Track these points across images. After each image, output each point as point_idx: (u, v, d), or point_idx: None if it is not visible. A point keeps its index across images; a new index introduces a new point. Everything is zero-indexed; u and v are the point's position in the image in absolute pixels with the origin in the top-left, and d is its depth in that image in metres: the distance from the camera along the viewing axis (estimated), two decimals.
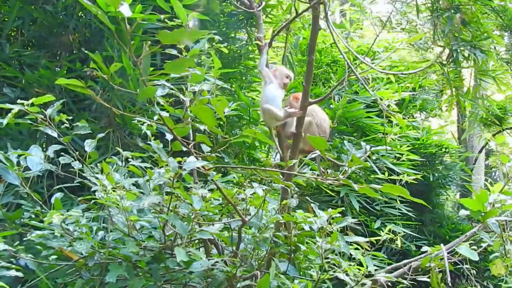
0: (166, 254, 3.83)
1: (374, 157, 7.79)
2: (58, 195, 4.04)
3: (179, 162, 3.15)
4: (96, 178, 3.49)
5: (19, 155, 3.87)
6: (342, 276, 3.81)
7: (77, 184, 4.04)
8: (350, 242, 4.47)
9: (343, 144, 7.36)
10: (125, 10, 2.35)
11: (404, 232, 8.14)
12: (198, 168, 3.22)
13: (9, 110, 3.44)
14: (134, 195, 3.37)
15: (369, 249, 5.18)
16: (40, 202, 4.02)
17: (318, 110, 4.55)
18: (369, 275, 4.11)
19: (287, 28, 5.02)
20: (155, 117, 3.29)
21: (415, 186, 8.85)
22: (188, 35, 2.34)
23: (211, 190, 3.83)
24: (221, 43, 4.38)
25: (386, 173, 7.76)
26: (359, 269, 4.22)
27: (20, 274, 3.33)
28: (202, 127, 3.11)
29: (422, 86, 10.50)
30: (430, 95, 10.82)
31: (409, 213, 8.17)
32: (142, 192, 3.51)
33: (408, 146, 8.71)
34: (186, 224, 3.22)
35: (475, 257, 3.55)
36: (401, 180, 7.98)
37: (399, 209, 8.29)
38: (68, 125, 3.72)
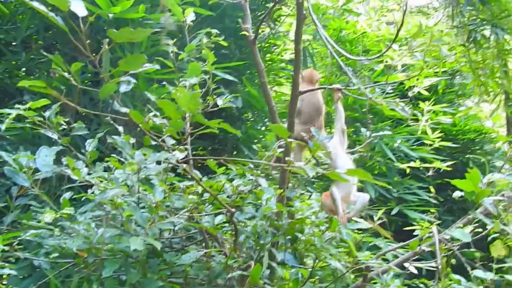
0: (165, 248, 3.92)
1: (395, 144, 7.69)
2: (67, 195, 4.15)
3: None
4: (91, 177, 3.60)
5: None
6: (333, 263, 3.79)
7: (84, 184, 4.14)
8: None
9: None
10: (78, 9, 2.39)
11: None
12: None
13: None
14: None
15: (390, 237, 5.14)
16: (50, 203, 4.14)
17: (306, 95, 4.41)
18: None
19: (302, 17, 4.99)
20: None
21: (454, 174, 8.66)
22: (135, 34, 2.37)
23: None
24: (219, 35, 4.42)
25: (418, 162, 7.65)
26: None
27: (14, 272, 3.46)
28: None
29: (458, 71, 10.23)
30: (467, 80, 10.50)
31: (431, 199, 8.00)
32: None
33: (441, 132, 8.53)
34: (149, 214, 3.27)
35: (468, 239, 3.46)
36: (434, 168, 7.87)
37: (419, 195, 8.16)
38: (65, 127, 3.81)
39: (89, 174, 3.73)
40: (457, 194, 3.64)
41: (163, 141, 3.07)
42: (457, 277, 3.49)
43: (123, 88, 2.74)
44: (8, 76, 6.04)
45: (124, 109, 2.76)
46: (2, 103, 6.09)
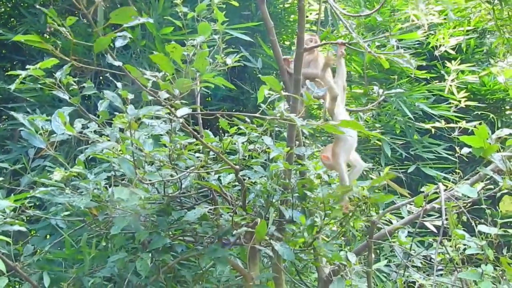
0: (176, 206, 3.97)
1: (417, 104, 7.61)
2: (82, 156, 4.19)
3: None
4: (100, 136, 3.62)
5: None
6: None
7: None
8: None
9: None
10: None
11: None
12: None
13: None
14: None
15: (407, 195, 5.10)
16: (65, 164, 4.19)
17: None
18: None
19: None
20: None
21: None
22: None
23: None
24: None
25: (443, 122, 7.53)
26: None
27: (23, 228, 3.53)
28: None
29: (487, 30, 9.97)
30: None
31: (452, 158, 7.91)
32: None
33: (469, 92, 8.40)
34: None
35: (474, 195, 3.40)
36: (460, 128, 7.74)
37: (438, 152, 8.10)
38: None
39: (101, 134, 3.74)
40: (465, 150, 3.57)
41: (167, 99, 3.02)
42: (460, 232, 3.45)
43: (119, 43, 2.73)
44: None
45: (117, 63, 2.76)
46: (24, 65, 6.19)
